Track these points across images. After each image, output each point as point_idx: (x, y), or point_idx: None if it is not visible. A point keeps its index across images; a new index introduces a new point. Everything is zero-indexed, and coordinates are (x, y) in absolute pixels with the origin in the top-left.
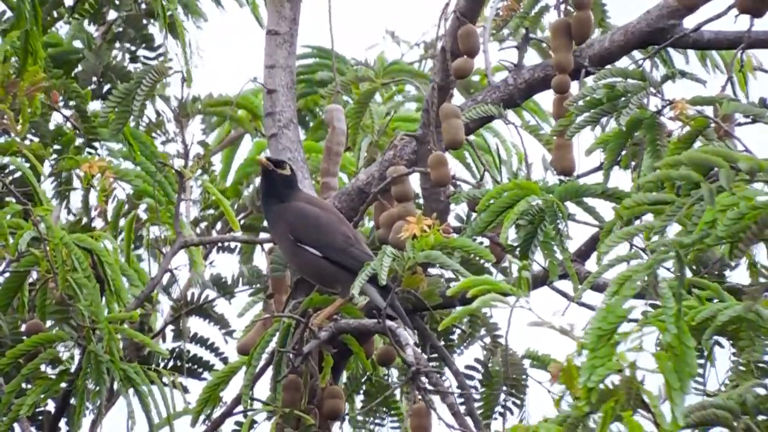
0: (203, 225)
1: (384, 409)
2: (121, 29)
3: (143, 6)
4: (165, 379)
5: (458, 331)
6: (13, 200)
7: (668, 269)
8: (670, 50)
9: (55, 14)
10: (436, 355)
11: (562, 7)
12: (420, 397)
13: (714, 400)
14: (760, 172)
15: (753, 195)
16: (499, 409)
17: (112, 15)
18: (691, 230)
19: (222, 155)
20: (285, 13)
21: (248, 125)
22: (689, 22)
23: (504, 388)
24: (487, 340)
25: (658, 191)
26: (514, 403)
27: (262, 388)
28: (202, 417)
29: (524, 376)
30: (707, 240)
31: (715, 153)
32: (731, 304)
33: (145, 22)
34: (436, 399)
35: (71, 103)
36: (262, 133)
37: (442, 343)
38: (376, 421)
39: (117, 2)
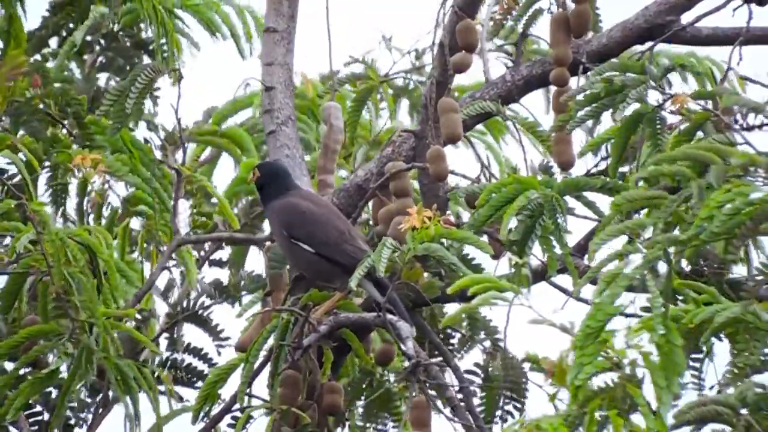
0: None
1: (385, 414)
2: (107, 58)
3: (127, 39)
4: (161, 387)
5: (458, 335)
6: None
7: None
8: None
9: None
10: (436, 352)
11: (560, 1)
12: (419, 390)
13: (715, 396)
14: (753, 168)
15: (748, 191)
16: (499, 413)
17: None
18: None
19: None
20: (283, 11)
21: (239, 156)
22: (688, 19)
23: (505, 392)
24: (487, 343)
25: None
26: (514, 406)
27: (261, 385)
28: (201, 414)
29: (524, 380)
30: (702, 236)
31: (709, 149)
32: (728, 306)
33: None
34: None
35: (69, 110)
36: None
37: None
38: (378, 426)
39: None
